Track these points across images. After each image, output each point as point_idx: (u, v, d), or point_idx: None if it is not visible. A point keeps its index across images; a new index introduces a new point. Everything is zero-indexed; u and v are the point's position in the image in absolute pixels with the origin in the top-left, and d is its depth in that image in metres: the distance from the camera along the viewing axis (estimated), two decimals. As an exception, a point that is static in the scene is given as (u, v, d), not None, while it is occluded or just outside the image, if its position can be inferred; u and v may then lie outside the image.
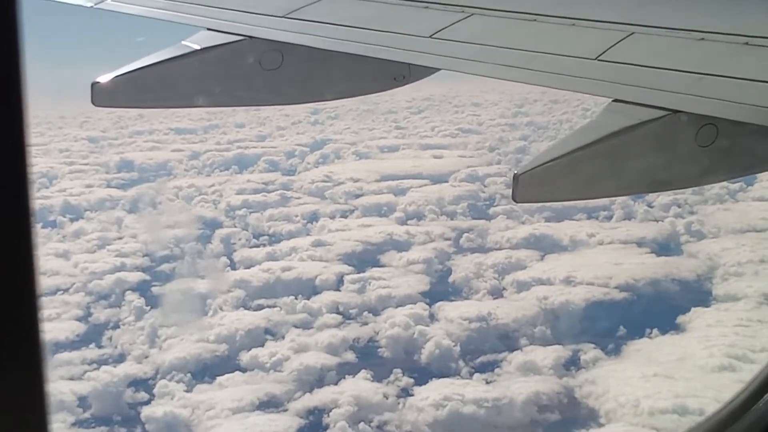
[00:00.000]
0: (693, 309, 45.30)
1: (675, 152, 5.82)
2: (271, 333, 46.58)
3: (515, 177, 5.54)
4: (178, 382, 41.96)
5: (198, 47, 7.77)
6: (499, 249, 55.92)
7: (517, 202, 5.94)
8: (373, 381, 41.22)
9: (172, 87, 7.84)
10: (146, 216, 68.26)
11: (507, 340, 44.72)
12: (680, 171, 6.00)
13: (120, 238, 62.66)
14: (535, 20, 6.79)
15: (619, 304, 47.37)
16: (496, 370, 41.79)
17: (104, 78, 7.54)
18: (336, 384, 41.15)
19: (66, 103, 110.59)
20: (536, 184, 5.58)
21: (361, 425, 37.89)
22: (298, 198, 70.81)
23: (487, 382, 40.78)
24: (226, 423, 38.04)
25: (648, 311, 46.27)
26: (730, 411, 3.78)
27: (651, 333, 43.84)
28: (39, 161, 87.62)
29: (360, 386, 40.60)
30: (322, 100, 9.32)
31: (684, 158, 5.87)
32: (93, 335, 47.70)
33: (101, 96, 7.48)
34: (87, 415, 40.39)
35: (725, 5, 6.95)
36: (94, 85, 7.44)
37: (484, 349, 43.79)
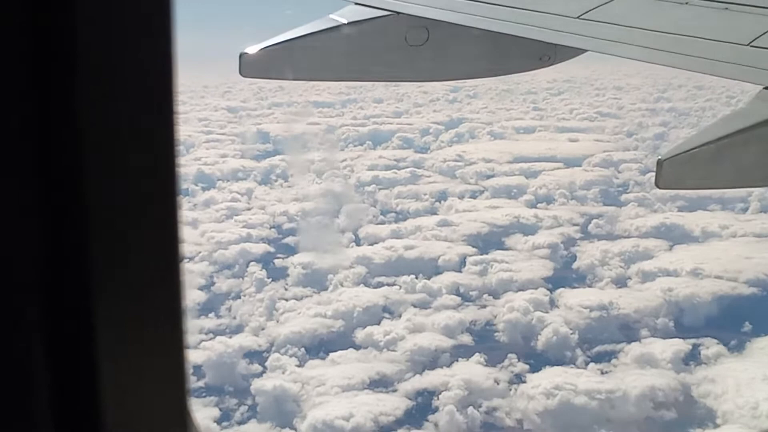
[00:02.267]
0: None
1: None
2: (388, 311, 46.30)
3: (659, 162, 5.44)
4: (291, 356, 42.01)
5: (345, 21, 7.89)
6: (628, 237, 54.63)
7: (659, 188, 5.78)
8: (486, 365, 40.62)
9: (317, 60, 8.05)
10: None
11: (627, 330, 43.60)
12: None
13: (248, 209, 63.23)
14: (686, 3, 6.57)
15: (746, 300, 45.69)
16: (613, 361, 40.75)
17: (252, 49, 7.79)
18: (449, 366, 40.67)
19: (211, 72, 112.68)
20: (680, 171, 5.50)
21: (470, 410, 37.29)
22: (429, 176, 70.42)
23: (602, 373, 39.79)
24: (334, 400, 37.89)
25: (777, 309, 44.61)
26: None
27: (778, 331, 42.23)
28: (179, 129, 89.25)
29: (472, 370, 40.03)
30: (465, 78, 9.72)
31: None
32: (213, 305, 48.20)
33: (249, 67, 7.73)
34: (201, 384, 40.73)
35: None
36: (242, 56, 7.68)
37: (602, 339, 42.75)
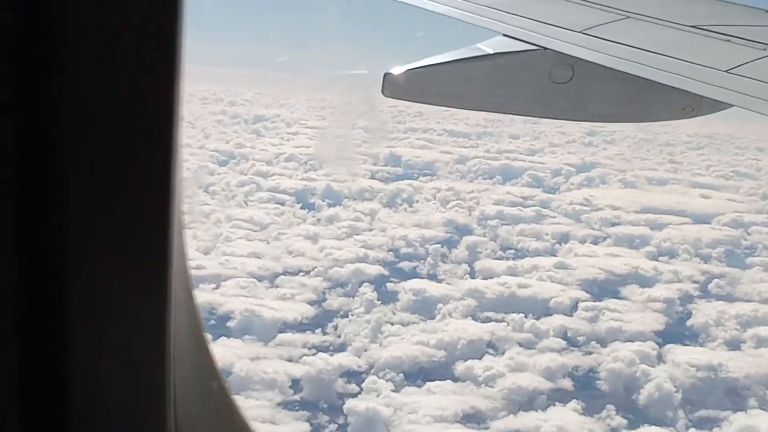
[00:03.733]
0: None
1: None
2: (492, 347, 45.98)
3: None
4: (388, 380, 42.01)
5: (492, 51, 7.99)
6: (748, 301, 53.18)
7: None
8: (582, 414, 39.98)
9: (461, 87, 8.16)
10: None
11: (734, 397, 42.38)
12: None
13: (370, 230, 63.65)
14: None
15: None
16: (714, 429, 39.68)
17: (396, 70, 7.84)
18: (544, 410, 40.13)
19: (354, 93, 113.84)
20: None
21: (560, 460, 36.82)
22: (553, 217, 69.85)
23: (703, 441, 38.89)
24: (424, 430, 37.76)
25: None
26: None
27: None
28: (312, 144, 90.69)
29: (568, 417, 39.42)
30: (605, 120, 9.79)
31: None
32: (321, 321, 48.51)
33: (392, 87, 7.72)
34: (296, 397, 41.04)
35: None
36: (386, 76, 7.68)
37: (706, 403, 41.61)
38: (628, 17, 7.92)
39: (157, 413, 1.83)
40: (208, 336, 2.20)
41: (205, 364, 2.17)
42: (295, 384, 41.62)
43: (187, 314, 2.08)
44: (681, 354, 45.51)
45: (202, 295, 48.59)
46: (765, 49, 6.77)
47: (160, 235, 1.72)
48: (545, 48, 7.84)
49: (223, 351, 42.14)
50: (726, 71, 6.56)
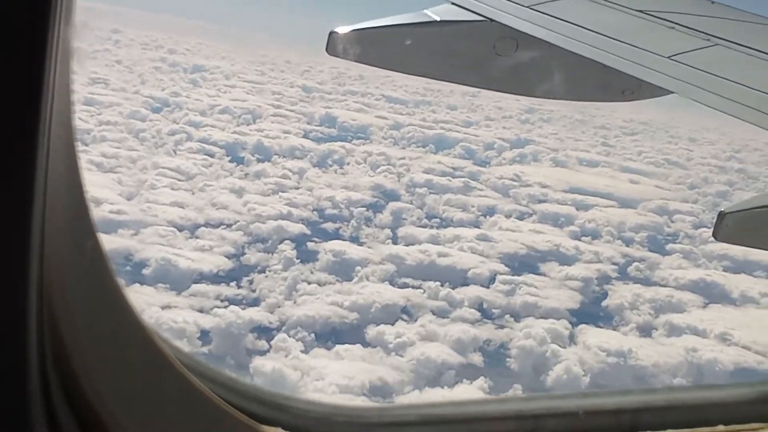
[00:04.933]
0: None
1: None
2: (406, 313, 45.89)
3: (721, 215, 5.41)
4: (298, 339, 41.69)
5: (438, 18, 7.97)
6: (664, 286, 53.56)
7: (716, 240, 5.76)
8: (488, 393, 39.69)
9: (404, 52, 8.14)
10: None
11: (640, 384, 42.41)
12: None
13: (296, 188, 63.29)
14: None
15: (769, 377, 44.65)
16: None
17: (342, 29, 7.92)
18: (451, 387, 39.85)
19: (297, 49, 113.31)
20: (740, 227, 5.42)
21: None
22: (481, 190, 69.84)
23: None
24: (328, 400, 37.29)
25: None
26: None
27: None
28: (250, 98, 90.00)
29: (474, 396, 39.13)
30: (545, 97, 9.45)
31: None
32: (237, 274, 48.13)
33: (336, 46, 7.77)
34: (204, 349, 40.60)
35: None
36: (332, 35, 7.74)
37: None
38: None
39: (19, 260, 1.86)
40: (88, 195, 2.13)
41: (82, 223, 2.12)
42: (204, 335, 41.25)
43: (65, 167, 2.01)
44: (593, 336, 45.63)
45: (120, 241, 48.01)
46: (708, 39, 6.83)
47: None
48: (492, 20, 7.85)
49: (134, 297, 41.52)
50: (668, 57, 6.63)
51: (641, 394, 3.55)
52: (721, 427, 3.16)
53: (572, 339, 45.20)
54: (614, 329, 47.71)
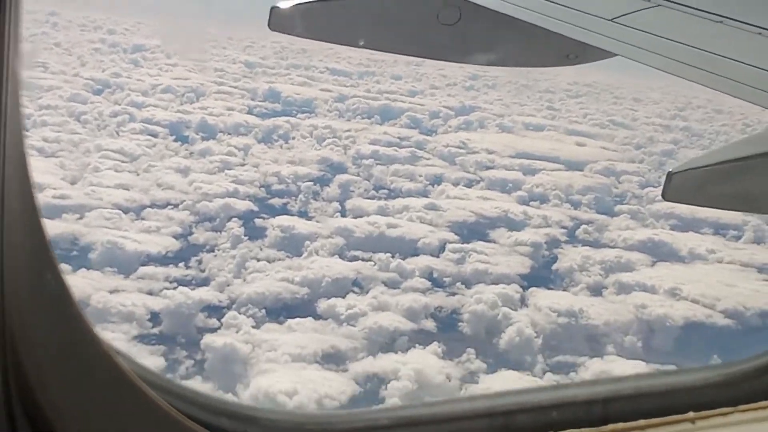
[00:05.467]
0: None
1: None
2: (358, 286, 45.83)
3: (669, 175, 5.46)
4: (249, 316, 41.52)
5: None
6: (613, 247, 53.82)
7: (666, 200, 5.84)
8: (442, 357, 39.87)
9: (347, 24, 8.13)
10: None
11: (592, 343, 42.74)
12: None
13: (242, 165, 62.92)
14: (722, 22, 6.52)
15: (719, 331, 44.73)
16: (571, 374, 39.92)
17: (284, 4, 7.86)
18: (404, 352, 39.95)
19: (238, 25, 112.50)
20: (689, 186, 5.50)
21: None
22: (428, 159, 69.73)
23: (557, 387, 38.83)
24: (281, 369, 37.26)
25: (748, 345, 43.52)
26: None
27: (745, 371, 41.11)
28: (192, 76, 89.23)
29: (427, 360, 39.17)
30: (490, 64, 9.64)
31: None
32: (185, 255, 47.88)
33: (279, 21, 7.77)
34: (154, 331, 40.37)
35: None
36: (274, 10, 7.69)
37: (564, 348, 41.90)
38: None
39: None
40: (45, 223, 2.14)
41: (40, 252, 2.12)
42: (154, 317, 41.07)
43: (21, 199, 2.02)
44: (544, 298, 45.85)
45: (65, 226, 47.49)
46: (649, 0, 6.83)
47: None
48: None
49: (82, 282, 41.27)
50: (611, 20, 6.63)
51: (610, 383, 3.59)
52: (691, 414, 3.22)
53: (523, 302, 45.49)
54: (565, 290, 47.93)
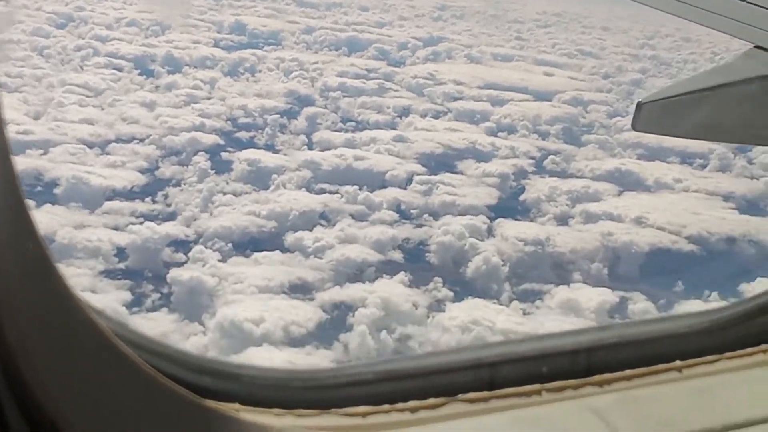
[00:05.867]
0: (759, 279, 42.83)
1: None
2: (325, 218, 45.74)
3: (638, 105, 5.41)
4: (215, 250, 41.39)
5: None
6: (580, 177, 53.85)
7: (635, 131, 5.70)
8: (409, 286, 39.95)
9: None
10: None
11: (558, 270, 42.97)
12: None
13: (208, 99, 62.42)
14: None
15: (684, 256, 45.10)
16: (537, 302, 40.06)
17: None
18: (371, 282, 40.01)
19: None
20: (659, 116, 5.47)
21: (383, 334, 36.52)
22: (396, 90, 69.31)
23: (524, 314, 38.99)
24: (248, 300, 37.25)
25: (712, 271, 43.95)
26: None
27: (709, 296, 41.45)
28: (157, 9, 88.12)
29: (394, 289, 39.21)
30: None
31: None
32: (151, 189, 47.57)
33: None
34: (120, 266, 40.21)
35: None
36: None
37: (531, 276, 42.02)
38: None
39: None
40: (27, 201, 2.15)
41: (22, 225, 2.13)
42: (120, 252, 40.87)
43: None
44: (511, 228, 45.92)
45: (29, 161, 47.09)
46: None
47: None
48: None
49: (47, 218, 40.99)
50: None
51: (595, 333, 3.51)
52: (678, 362, 3.25)
53: (490, 232, 45.51)
54: (532, 221, 48.00)
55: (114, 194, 46.20)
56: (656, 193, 52.93)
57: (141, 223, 43.30)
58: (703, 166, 57.36)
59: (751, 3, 5.70)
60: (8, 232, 2.07)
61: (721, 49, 70.78)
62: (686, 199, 51.81)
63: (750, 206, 51.77)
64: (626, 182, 53.35)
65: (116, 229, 42.74)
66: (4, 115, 2.02)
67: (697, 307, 39.79)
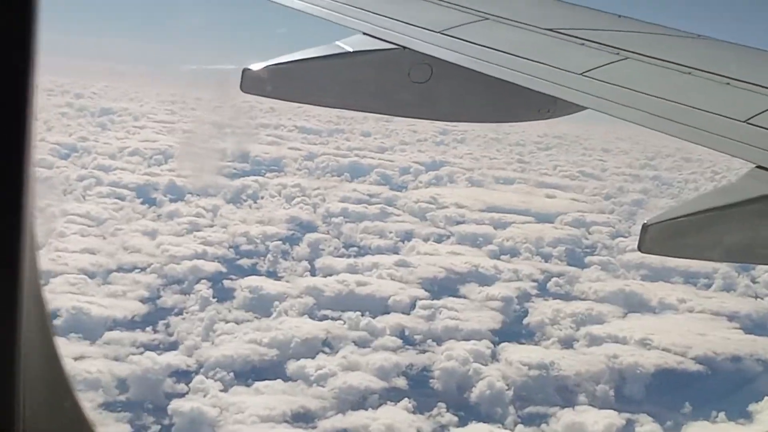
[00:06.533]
0: (766, 398, 42.32)
1: None
2: (327, 346, 45.39)
3: (644, 227, 5.34)
4: (217, 380, 40.98)
5: (351, 49, 7.95)
6: (584, 299, 53.69)
7: (642, 252, 5.56)
8: (413, 412, 39.52)
9: (319, 84, 8.17)
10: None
11: (563, 393, 42.58)
12: None
13: (210, 226, 62.54)
14: (690, 73, 6.71)
15: (691, 377, 44.69)
16: (542, 426, 39.64)
17: (256, 66, 7.81)
18: (375, 409, 39.58)
19: (207, 88, 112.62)
20: (665, 238, 5.43)
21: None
22: (398, 215, 69.65)
23: (530, 437, 38.71)
24: (249, 430, 36.81)
25: (719, 391, 43.49)
26: None
27: (716, 416, 40.97)
28: (161, 138, 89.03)
29: (397, 416, 38.89)
30: (463, 120, 9.75)
31: None
32: (153, 319, 47.27)
33: (250, 83, 7.74)
34: (121, 398, 39.73)
35: None
36: (245, 72, 7.68)
37: (536, 400, 41.69)
38: (487, 19, 7.99)
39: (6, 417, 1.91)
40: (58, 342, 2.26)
41: (55, 371, 2.29)
42: (121, 384, 40.37)
43: (37, 320, 2.13)
44: (515, 352, 45.62)
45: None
46: (618, 53, 6.99)
47: (11, 237, 1.80)
48: (404, 47, 7.83)
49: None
50: (581, 74, 6.76)
51: None
52: None
53: (494, 357, 45.24)
54: (536, 344, 47.68)
55: (115, 324, 45.88)
56: (661, 314, 52.77)
57: (142, 354, 42.89)
58: (708, 286, 57.26)
59: (752, 124, 5.76)
60: (46, 393, 2.20)
61: (722, 168, 71.21)
62: (691, 320, 51.58)
63: (755, 326, 51.51)
64: (630, 303, 53.18)
65: (117, 359, 42.34)
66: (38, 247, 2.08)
67: (704, 430, 39.44)
